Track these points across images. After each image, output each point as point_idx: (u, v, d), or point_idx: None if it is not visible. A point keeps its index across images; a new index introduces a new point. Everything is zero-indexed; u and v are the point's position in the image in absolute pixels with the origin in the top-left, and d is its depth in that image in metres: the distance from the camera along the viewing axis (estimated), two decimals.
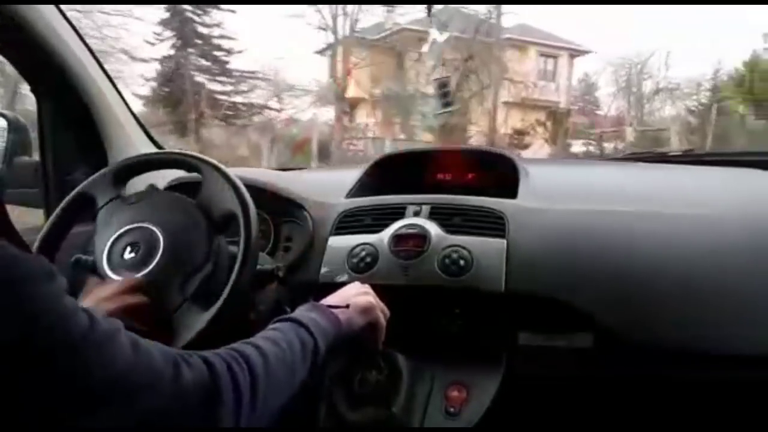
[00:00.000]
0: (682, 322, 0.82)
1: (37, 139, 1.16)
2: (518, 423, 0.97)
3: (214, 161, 0.84)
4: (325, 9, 13.09)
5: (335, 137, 12.54)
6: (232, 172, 0.82)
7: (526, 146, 13.61)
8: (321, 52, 14.54)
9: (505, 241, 0.91)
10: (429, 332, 0.95)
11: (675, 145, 12.82)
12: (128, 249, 0.76)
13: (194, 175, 0.85)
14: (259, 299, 0.84)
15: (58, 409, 0.40)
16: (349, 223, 1.02)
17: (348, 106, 14.15)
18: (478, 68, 13.78)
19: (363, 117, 14.42)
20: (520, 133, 14.62)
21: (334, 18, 13.24)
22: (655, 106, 16.97)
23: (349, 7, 13.11)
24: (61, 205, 0.86)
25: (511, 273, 0.88)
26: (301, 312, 0.68)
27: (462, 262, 0.89)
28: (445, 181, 1.22)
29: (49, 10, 1.03)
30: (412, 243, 0.93)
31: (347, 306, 0.73)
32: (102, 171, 0.88)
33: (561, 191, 1.04)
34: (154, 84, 13.71)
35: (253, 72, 13.71)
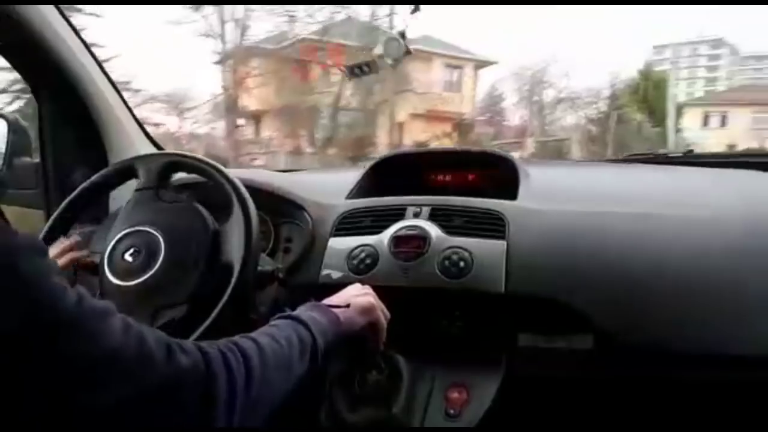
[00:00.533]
0: (682, 323, 0.82)
1: (37, 139, 1.16)
2: (518, 424, 0.97)
3: (215, 163, 0.84)
4: (213, 15, 11.93)
5: (229, 152, 11.72)
6: (233, 173, 0.82)
7: None
8: (220, 62, 13.23)
9: (505, 243, 0.91)
10: (429, 334, 0.95)
11: (576, 154, 13.11)
12: (129, 252, 0.76)
13: (194, 176, 0.86)
14: (260, 300, 0.84)
15: (47, 385, 0.39)
16: (349, 224, 1.02)
17: (250, 118, 13.53)
18: (381, 79, 13.18)
19: (270, 130, 13.78)
20: (424, 145, 14.57)
21: (222, 24, 12.05)
22: (557, 115, 17.31)
23: (239, 14, 12.07)
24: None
25: (511, 274, 0.88)
26: (301, 310, 0.68)
27: (462, 264, 0.90)
28: (445, 182, 1.22)
29: (49, 10, 1.03)
30: (412, 244, 0.93)
31: (347, 306, 0.73)
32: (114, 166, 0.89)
33: (561, 192, 1.04)
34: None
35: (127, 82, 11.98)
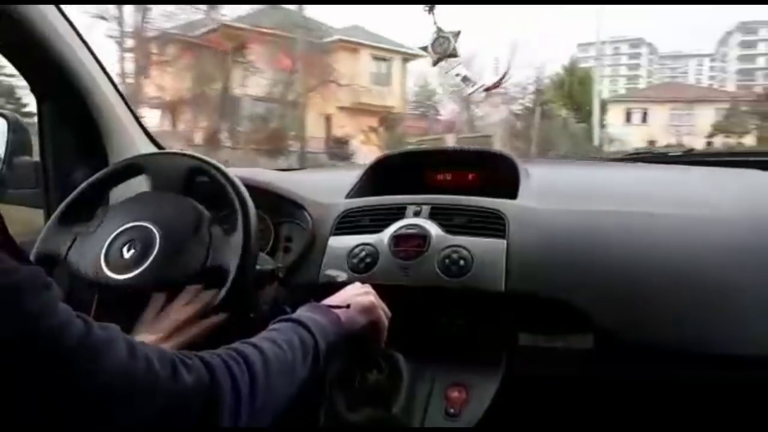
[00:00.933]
0: (683, 322, 0.82)
1: (37, 139, 1.16)
2: (518, 424, 0.97)
3: (215, 161, 0.84)
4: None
5: None
6: (232, 171, 0.82)
7: (351, 154, 12.93)
8: (122, 48, 12.13)
9: (505, 242, 0.91)
10: (429, 333, 0.95)
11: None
12: (126, 248, 0.76)
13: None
14: (260, 299, 0.84)
15: (57, 416, 0.40)
16: (349, 223, 1.02)
17: (164, 109, 12.78)
18: (304, 70, 12.92)
19: (184, 122, 13.06)
20: (345, 141, 14.02)
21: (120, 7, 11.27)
22: (487, 110, 16.96)
23: None
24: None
25: (511, 273, 0.88)
26: (302, 312, 0.68)
27: (462, 263, 0.89)
28: (445, 181, 1.22)
29: (49, 10, 1.03)
30: (412, 243, 0.93)
31: (348, 306, 0.73)
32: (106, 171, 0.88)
33: (561, 191, 1.04)
34: None
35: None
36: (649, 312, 0.83)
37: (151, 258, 0.74)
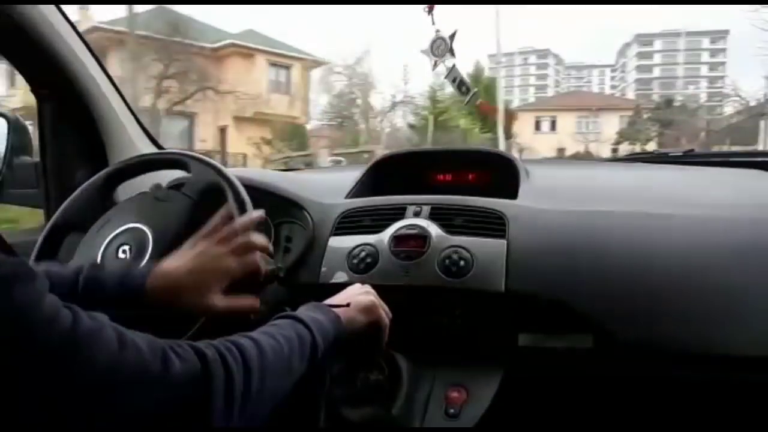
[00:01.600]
0: (683, 322, 0.82)
1: (37, 139, 1.16)
2: (518, 424, 0.97)
3: (214, 162, 0.84)
4: None
5: None
6: (231, 172, 0.82)
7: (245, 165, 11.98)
8: None
9: (505, 242, 0.91)
10: (429, 333, 0.95)
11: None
12: (121, 250, 0.76)
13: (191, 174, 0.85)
14: (259, 299, 0.84)
15: (48, 406, 0.40)
16: (349, 223, 1.02)
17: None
18: (184, 74, 12.20)
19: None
20: (244, 151, 13.23)
21: None
22: (395, 120, 16.68)
23: None
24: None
25: (512, 273, 0.88)
26: (302, 310, 0.68)
27: (462, 263, 0.89)
28: (446, 181, 1.22)
29: (50, 10, 1.03)
30: (412, 243, 0.93)
31: (348, 305, 0.72)
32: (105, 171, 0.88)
33: (561, 192, 1.04)
34: None
35: None
36: (650, 312, 0.83)
37: (144, 261, 0.74)
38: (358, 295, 0.76)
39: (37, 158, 1.17)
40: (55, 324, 0.41)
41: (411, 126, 15.47)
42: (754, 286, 0.82)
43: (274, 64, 15.62)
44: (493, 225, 0.93)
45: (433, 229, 0.94)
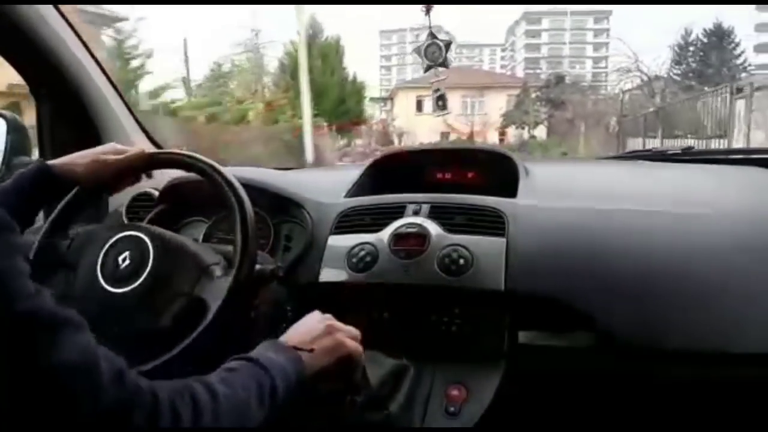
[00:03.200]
0: (683, 320, 0.82)
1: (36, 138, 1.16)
2: (518, 422, 0.97)
3: (212, 161, 0.83)
4: None
5: None
6: (231, 171, 0.82)
7: None
8: None
9: (504, 240, 0.91)
10: (429, 331, 0.95)
11: None
12: (120, 259, 0.75)
13: (192, 175, 0.85)
14: (259, 299, 0.84)
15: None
16: (348, 222, 1.02)
17: None
18: None
19: None
20: None
21: None
22: None
23: None
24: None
25: (511, 272, 0.88)
26: (261, 352, 0.64)
27: (462, 261, 0.89)
28: (445, 180, 1.22)
29: (48, 10, 1.03)
30: (411, 242, 0.93)
31: (312, 350, 0.68)
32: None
33: (560, 190, 1.04)
34: None
35: None
36: (650, 310, 0.83)
37: (147, 269, 0.73)
38: (320, 335, 0.70)
39: (35, 157, 1.17)
40: (11, 288, 0.39)
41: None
42: (754, 284, 0.83)
43: None
44: (492, 223, 0.93)
45: (433, 228, 0.94)
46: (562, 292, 0.86)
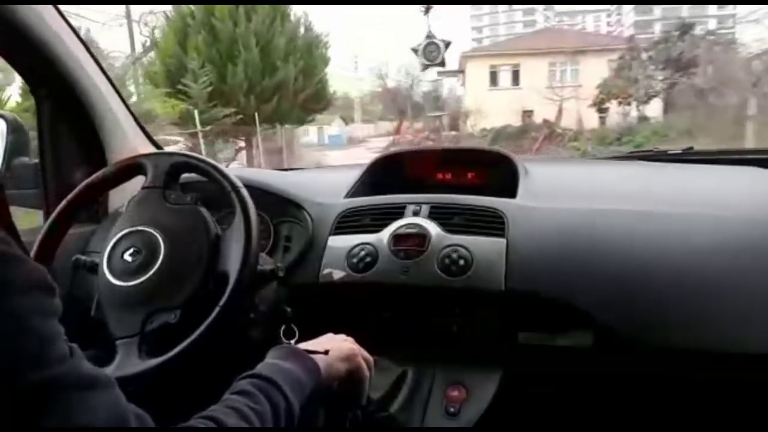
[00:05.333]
0: (683, 320, 0.82)
1: (36, 140, 1.16)
2: (518, 422, 0.97)
3: (215, 162, 0.84)
4: None
5: None
6: (232, 172, 0.82)
7: None
8: None
9: (504, 241, 0.91)
10: (429, 332, 0.95)
11: None
12: (128, 253, 0.75)
13: (194, 175, 0.85)
14: (259, 299, 0.84)
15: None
16: (348, 222, 1.02)
17: None
18: None
19: None
20: None
21: None
22: None
23: None
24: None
25: (511, 272, 0.88)
26: (277, 360, 0.63)
27: (462, 262, 0.89)
28: (445, 180, 1.22)
29: (48, 10, 1.03)
30: (411, 242, 0.93)
31: (326, 352, 0.68)
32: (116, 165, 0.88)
33: (561, 190, 1.04)
34: None
35: None
36: (650, 310, 0.83)
37: (157, 264, 0.73)
38: (337, 343, 0.72)
39: (35, 159, 1.17)
40: (48, 352, 0.39)
41: None
42: (754, 284, 0.82)
43: None
44: (492, 224, 0.93)
45: (433, 228, 0.94)
46: (562, 292, 0.86)
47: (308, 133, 19.03)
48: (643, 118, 12.85)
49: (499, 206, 0.96)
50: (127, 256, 0.76)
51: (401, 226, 0.96)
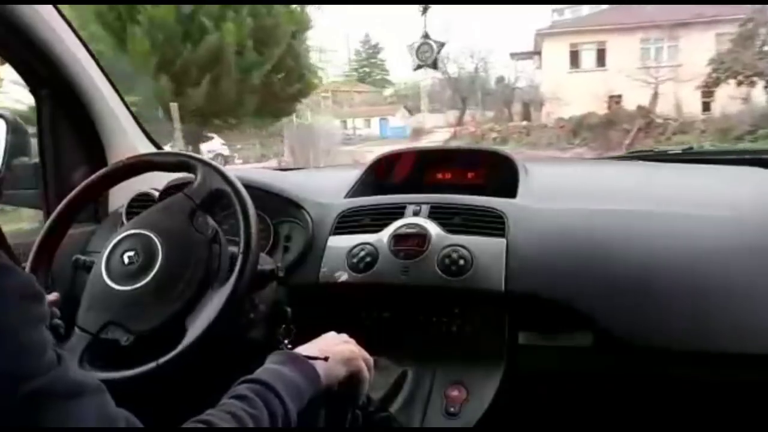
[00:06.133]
0: (683, 321, 0.82)
1: (36, 140, 1.16)
2: (518, 422, 0.97)
3: (214, 162, 0.83)
4: None
5: None
6: (232, 172, 0.82)
7: None
8: None
9: (504, 241, 0.91)
10: (429, 332, 0.95)
11: None
12: (126, 257, 0.75)
13: (192, 175, 0.85)
14: (259, 299, 0.84)
15: None
16: (348, 222, 1.02)
17: None
18: None
19: None
20: None
21: None
22: None
23: None
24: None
25: (511, 272, 0.88)
26: (277, 367, 0.62)
27: (462, 262, 0.89)
28: (445, 180, 1.22)
29: (48, 10, 1.03)
30: (411, 242, 0.93)
31: (326, 358, 0.67)
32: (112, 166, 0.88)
33: (561, 190, 1.04)
34: None
35: None
36: (649, 310, 0.83)
37: (155, 268, 0.73)
38: (338, 345, 0.71)
39: (35, 159, 1.17)
40: (35, 360, 0.39)
41: None
42: (754, 284, 0.82)
43: None
44: (492, 224, 0.93)
45: (433, 228, 0.94)
46: (562, 292, 0.86)
47: (370, 125, 18.12)
48: None
49: (500, 206, 0.96)
50: (125, 261, 0.75)
51: (401, 226, 0.96)
